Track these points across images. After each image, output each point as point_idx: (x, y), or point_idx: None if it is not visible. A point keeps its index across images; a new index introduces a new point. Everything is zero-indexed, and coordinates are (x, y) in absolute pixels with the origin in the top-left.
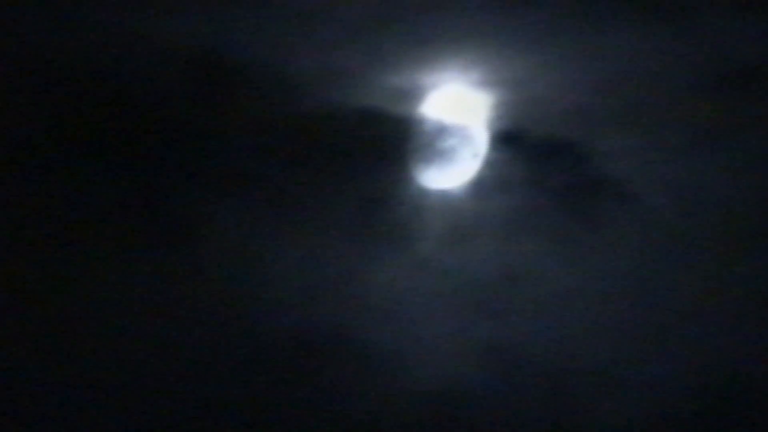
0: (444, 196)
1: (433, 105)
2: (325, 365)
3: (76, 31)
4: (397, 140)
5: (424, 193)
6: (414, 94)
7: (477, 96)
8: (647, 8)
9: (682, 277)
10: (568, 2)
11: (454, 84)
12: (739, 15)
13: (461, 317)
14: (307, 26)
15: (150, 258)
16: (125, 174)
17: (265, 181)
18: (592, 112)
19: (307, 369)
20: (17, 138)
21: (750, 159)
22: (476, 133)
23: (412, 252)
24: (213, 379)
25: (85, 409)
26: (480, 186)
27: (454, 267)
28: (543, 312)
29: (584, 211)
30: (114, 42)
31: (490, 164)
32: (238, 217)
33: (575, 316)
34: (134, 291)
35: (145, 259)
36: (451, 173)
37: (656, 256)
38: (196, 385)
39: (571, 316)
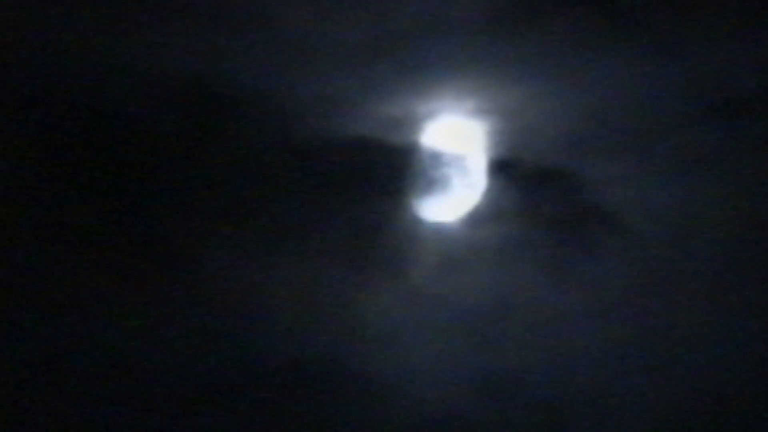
0: (438, 225)
1: (427, 134)
2: (321, 393)
3: (68, 60)
4: (392, 169)
5: (419, 222)
6: (408, 123)
7: (471, 125)
8: (639, 38)
9: (674, 305)
10: (562, 31)
11: (448, 113)
12: (731, 44)
13: (456, 345)
14: (301, 54)
15: (144, 287)
16: (118, 204)
17: (260, 209)
18: (585, 140)
19: (303, 397)
20: (10, 168)
21: (741, 187)
22: (470, 162)
23: (406, 280)
24: (208, 407)
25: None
26: (474, 215)
27: (448, 295)
28: (536, 340)
29: (576, 239)
30: (105, 70)
31: (484, 193)
32: (233, 245)
33: (568, 344)
34: (129, 320)
35: (139, 289)
36: (445, 202)
37: (648, 284)
38: (191, 413)
39: (565, 344)
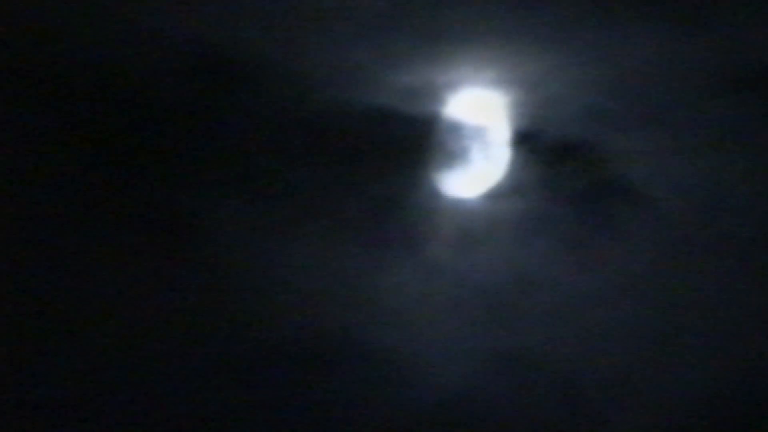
0: (457, 199)
1: (446, 104)
2: (334, 371)
3: (80, 29)
4: (409, 141)
5: (437, 196)
6: (427, 93)
7: (491, 96)
8: (664, 7)
9: (698, 283)
10: (585, 0)
11: (468, 83)
12: (761, 12)
13: (473, 323)
14: (316, 23)
15: (154, 257)
16: (130, 173)
17: (273, 180)
18: (607, 112)
19: (315, 374)
20: (21, 137)
21: None
22: (490, 134)
23: (423, 256)
24: (217, 383)
25: (87, 408)
26: (494, 189)
27: (466, 272)
28: (557, 318)
29: (599, 215)
30: (118, 39)
31: (504, 167)
32: (245, 216)
33: (589, 323)
34: (137, 290)
35: (148, 259)
36: (464, 176)
37: (672, 261)
38: (200, 388)
39: (586, 323)
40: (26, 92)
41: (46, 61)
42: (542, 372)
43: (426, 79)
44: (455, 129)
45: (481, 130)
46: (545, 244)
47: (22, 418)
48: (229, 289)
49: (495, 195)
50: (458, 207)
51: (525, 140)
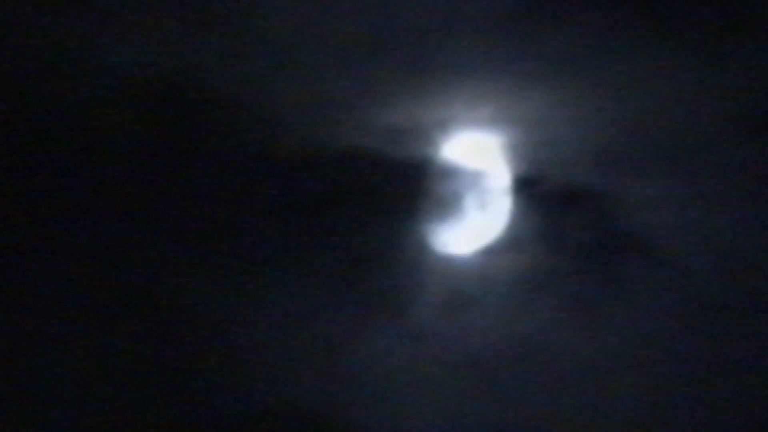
0: (447, 254)
1: (435, 146)
2: None
3: (25, 57)
4: (394, 188)
5: (424, 250)
6: (413, 134)
7: (486, 136)
8: (681, 39)
9: (722, 349)
10: (590, 28)
11: (460, 122)
12: None
13: (465, 396)
14: (287, 53)
15: (105, 326)
16: (77, 222)
17: (239, 234)
18: (616, 155)
19: None
20: None
21: None
22: (485, 180)
23: (408, 319)
24: None
25: None
26: (489, 243)
27: (456, 337)
28: (560, 390)
29: (607, 271)
30: (64, 70)
31: (499, 217)
32: (205, 276)
33: (597, 395)
34: (93, 362)
35: (99, 327)
36: (455, 227)
37: (693, 325)
38: None
39: (592, 395)
40: None
41: None
42: None
43: (412, 118)
44: (445, 174)
45: (475, 175)
46: (547, 305)
47: None
48: (180, 352)
49: (490, 249)
50: (449, 263)
51: (524, 187)
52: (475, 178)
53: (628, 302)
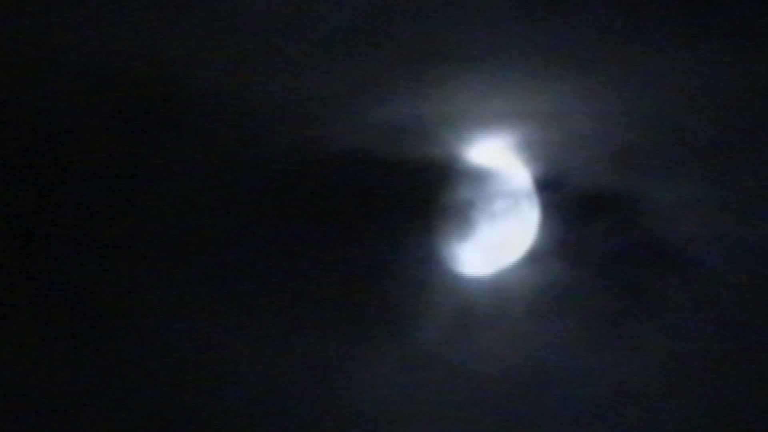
0: (456, 269)
1: (440, 146)
2: None
3: None
4: (394, 193)
5: (430, 264)
6: (414, 131)
7: (497, 133)
8: (713, 24)
9: (758, 370)
10: (615, 13)
11: (467, 118)
12: None
13: (476, 428)
14: (273, 42)
15: (63, 347)
16: (28, 231)
17: (216, 246)
18: (645, 154)
19: None
20: None
21: None
22: (496, 184)
23: (412, 343)
24: None
25: None
26: (501, 255)
27: (464, 363)
28: (582, 421)
29: (637, 287)
30: (34, 63)
31: (513, 226)
32: (179, 295)
33: (625, 425)
34: (49, 387)
35: (52, 347)
36: (464, 237)
37: (730, 344)
38: None
39: (620, 426)
40: None
41: None
42: None
43: (413, 114)
44: (451, 177)
45: (484, 178)
46: (567, 325)
47: None
48: (151, 389)
49: (503, 263)
50: (459, 279)
51: (540, 191)
52: (484, 182)
53: (658, 319)
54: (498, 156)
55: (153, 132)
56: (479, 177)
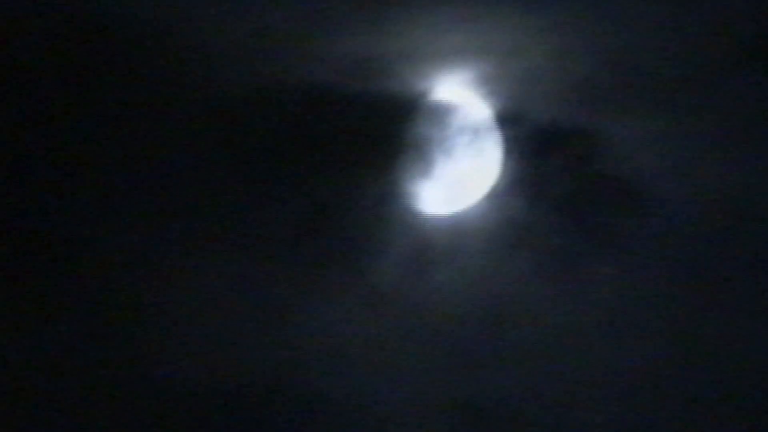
0: (412, 205)
1: (399, 81)
2: (260, 424)
3: None
4: (352, 128)
5: (386, 199)
6: (374, 66)
7: (457, 69)
8: None
9: (719, 312)
10: None
11: (426, 52)
12: None
13: (431, 365)
14: None
15: (28, 291)
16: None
17: (176, 185)
18: (605, 90)
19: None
20: None
21: None
22: (454, 118)
23: (369, 280)
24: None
25: None
26: (459, 191)
27: (422, 300)
28: (536, 358)
29: (592, 223)
30: None
31: (471, 161)
32: (141, 231)
33: (578, 365)
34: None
35: (22, 294)
36: (421, 172)
37: (687, 284)
38: None
39: (573, 365)
40: None
41: None
42: (515, 426)
43: (372, 48)
44: (409, 111)
45: (442, 112)
46: (523, 263)
47: None
48: (111, 323)
49: (459, 199)
50: (413, 215)
51: (498, 127)
52: (442, 116)
53: (614, 258)
54: (458, 91)
55: (112, 71)
56: (435, 112)
